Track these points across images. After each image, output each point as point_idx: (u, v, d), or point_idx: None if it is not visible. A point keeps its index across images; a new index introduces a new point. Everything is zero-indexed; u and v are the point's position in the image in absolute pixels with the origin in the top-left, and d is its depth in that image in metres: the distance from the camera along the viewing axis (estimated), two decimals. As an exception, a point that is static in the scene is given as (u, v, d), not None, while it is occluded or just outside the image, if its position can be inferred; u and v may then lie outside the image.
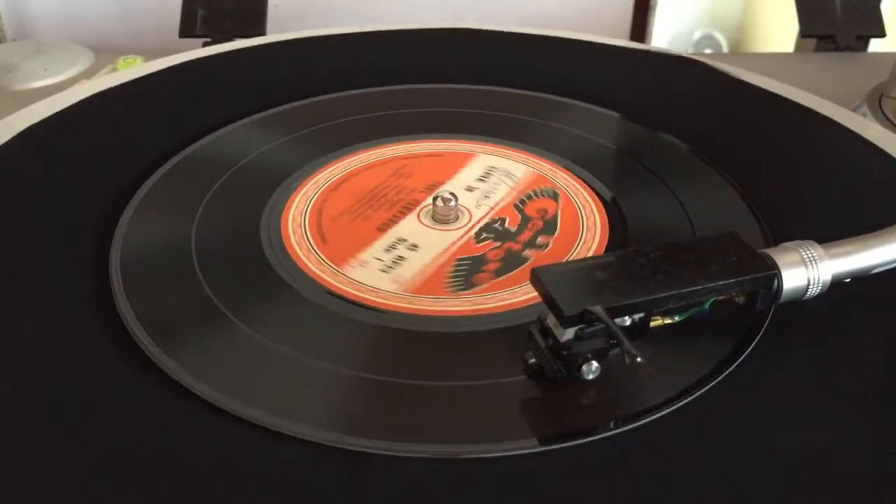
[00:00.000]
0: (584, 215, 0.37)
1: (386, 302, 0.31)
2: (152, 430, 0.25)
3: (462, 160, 0.41)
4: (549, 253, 0.34)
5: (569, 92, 0.47)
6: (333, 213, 0.37)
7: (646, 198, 0.38)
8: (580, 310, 0.25)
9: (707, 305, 0.28)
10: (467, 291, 0.31)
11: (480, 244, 0.34)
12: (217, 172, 0.39)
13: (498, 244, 0.34)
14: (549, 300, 0.26)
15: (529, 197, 0.38)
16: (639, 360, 0.23)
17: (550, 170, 0.40)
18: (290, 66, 0.51)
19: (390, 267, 0.33)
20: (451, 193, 0.36)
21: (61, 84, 0.57)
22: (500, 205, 0.37)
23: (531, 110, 0.45)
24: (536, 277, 0.27)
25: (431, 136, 0.42)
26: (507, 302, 0.31)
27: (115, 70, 0.56)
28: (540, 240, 0.35)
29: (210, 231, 0.35)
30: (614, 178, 0.40)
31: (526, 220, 0.36)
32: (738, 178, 0.39)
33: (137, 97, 0.46)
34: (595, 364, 0.26)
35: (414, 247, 0.34)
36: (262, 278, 0.32)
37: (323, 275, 0.32)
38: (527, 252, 0.34)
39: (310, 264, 0.33)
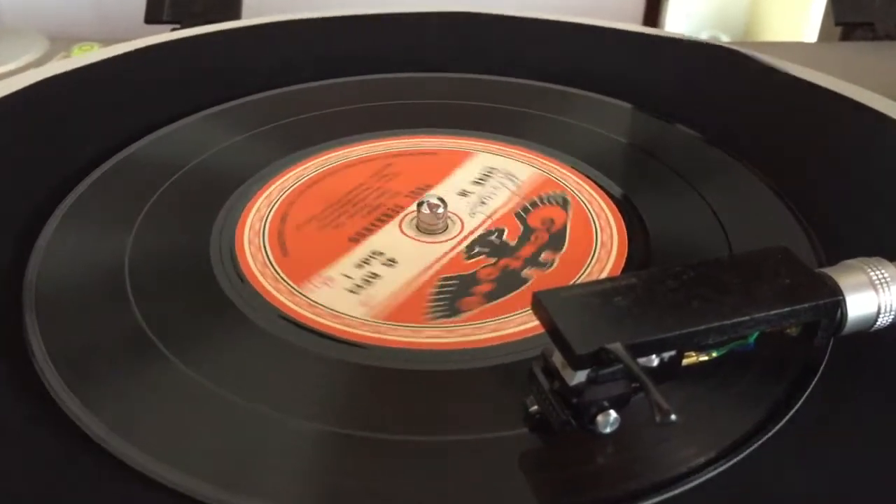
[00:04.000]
0: (597, 227, 0.32)
1: (349, 330, 0.26)
2: None
3: (457, 159, 0.37)
4: (554, 272, 0.30)
5: (581, 82, 0.43)
6: (299, 221, 0.32)
7: (672, 206, 0.34)
8: (595, 348, 0.21)
9: (752, 338, 0.24)
10: (452, 319, 0.27)
11: (471, 260, 0.30)
12: (163, 175, 0.34)
13: (493, 261, 0.30)
14: (555, 334, 0.21)
15: (534, 204, 0.34)
16: (673, 418, 0.19)
17: (560, 171, 0.36)
18: (261, 52, 0.47)
19: (360, 286, 0.28)
20: (440, 199, 0.31)
21: (10, 73, 0.53)
22: (499, 213, 0.33)
23: (538, 103, 0.42)
24: (539, 304, 0.22)
25: (422, 131, 0.39)
26: (500, 333, 0.26)
27: (67, 57, 0.52)
28: (544, 256, 0.30)
29: (149, 245, 0.30)
30: (634, 182, 0.35)
31: (528, 231, 0.32)
32: (780, 182, 0.34)
33: (82, 88, 0.42)
34: (613, 415, 0.22)
35: (391, 262, 0.30)
36: (204, 299, 0.28)
37: (278, 294, 0.28)
38: (527, 271, 0.30)
39: (264, 281, 0.28)
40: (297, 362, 0.25)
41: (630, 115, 0.41)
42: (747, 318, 0.22)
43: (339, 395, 0.25)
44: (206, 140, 0.37)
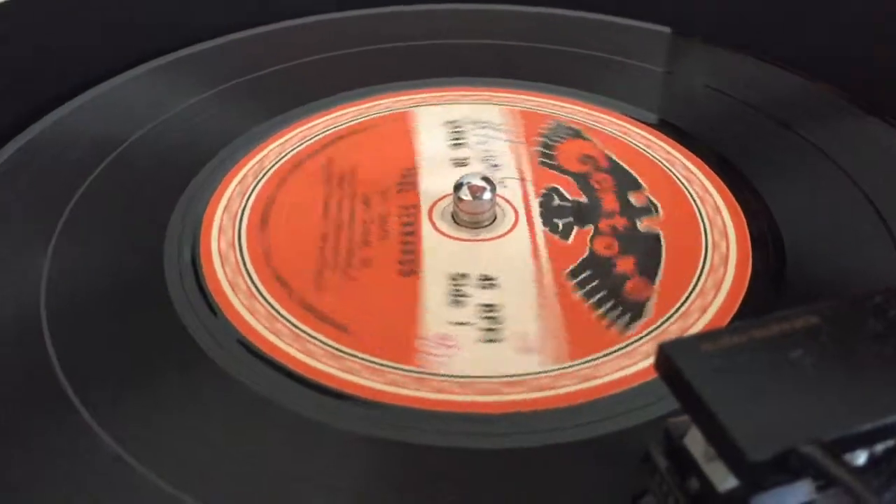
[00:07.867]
0: (653, 153, 0.28)
1: (550, 393, 0.20)
2: None
3: (402, 125, 0.30)
4: (669, 216, 0.25)
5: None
6: (306, 286, 0.24)
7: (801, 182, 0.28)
8: (779, 451, 0.14)
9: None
10: (644, 318, 0.22)
11: (571, 239, 0.25)
12: (91, 158, 0.28)
13: (591, 229, 0.25)
14: (702, 417, 0.15)
15: (546, 146, 0.29)
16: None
17: (542, 102, 0.31)
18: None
19: (493, 329, 0.22)
20: (484, 178, 0.25)
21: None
22: (525, 171, 0.28)
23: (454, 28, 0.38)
24: (671, 365, 0.15)
25: (319, 104, 0.32)
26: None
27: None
28: (634, 199, 0.26)
29: (76, 263, 0.24)
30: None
31: (582, 178, 0.27)
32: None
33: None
34: (786, 535, 0.15)
35: (488, 281, 0.23)
36: (163, 346, 0.22)
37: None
38: (643, 223, 0.25)
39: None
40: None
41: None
42: None
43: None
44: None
